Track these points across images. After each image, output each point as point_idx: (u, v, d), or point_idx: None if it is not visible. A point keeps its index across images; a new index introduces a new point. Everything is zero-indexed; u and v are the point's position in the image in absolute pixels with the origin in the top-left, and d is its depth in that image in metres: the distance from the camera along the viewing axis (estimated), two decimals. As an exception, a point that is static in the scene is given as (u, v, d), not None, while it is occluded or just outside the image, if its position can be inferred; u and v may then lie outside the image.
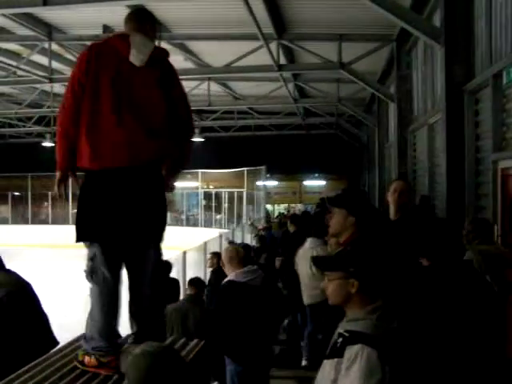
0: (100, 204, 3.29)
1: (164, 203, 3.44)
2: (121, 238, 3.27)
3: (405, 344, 2.54)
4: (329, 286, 2.64)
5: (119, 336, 3.50)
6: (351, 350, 2.38)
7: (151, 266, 3.39)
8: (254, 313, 4.97)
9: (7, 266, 4.84)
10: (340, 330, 2.54)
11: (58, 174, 3.43)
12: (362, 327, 2.45)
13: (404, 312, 3.05)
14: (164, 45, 12.40)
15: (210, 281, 8.10)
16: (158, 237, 3.43)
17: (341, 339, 2.47)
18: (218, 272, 8.08)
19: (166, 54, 3.55)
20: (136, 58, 3.29)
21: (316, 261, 2.82)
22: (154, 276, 3.40)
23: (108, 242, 3.27)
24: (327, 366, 2.49)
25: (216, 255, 8.88)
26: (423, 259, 3.42)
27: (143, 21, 3.54)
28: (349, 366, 2.37)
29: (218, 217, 27.59)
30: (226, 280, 5.23)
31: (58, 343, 4.16)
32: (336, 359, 2.44)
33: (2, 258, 4.59)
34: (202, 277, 11.39)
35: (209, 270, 9.05)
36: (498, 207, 6.34)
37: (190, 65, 14.51)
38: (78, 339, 3.81)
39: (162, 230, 3.43)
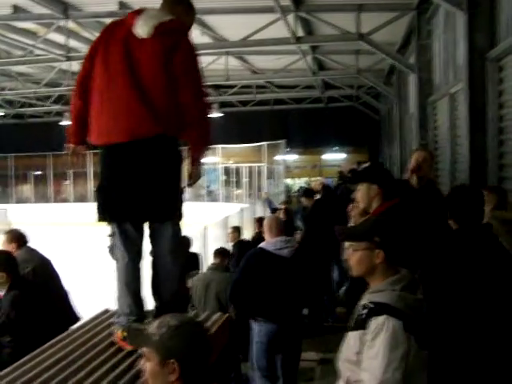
0: (108, 182, 3.31)
1: (175, 179, 3.35)
2: (131, 214, 3.25)
3: (430, 314, 2.51)
4: (353, 256, 2.61)
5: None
6: (376, 322, 2.37)
7: (169, 241, 3.36)
8: (279, 281, 5.08)
9: (30, 245, 4.90)
10: (364, 301, 2.51)
11: (68, 146, 3.58)
12: (387, 298, 2.42)
13: (430, 281, 3.03)
14: (180, 19, 12.32)
15: (232, 254, 8.12)
16: (170, 212, 3.36)
17: (365, 311, 2.44)
18: (239, 245, 8.12)
19: (180, 26, 3.40)
20: (140, 28, 3.25)
21: (339, 231, 2.76)
22: (173, 251, 3.39)
23: (119, 219, 3.27)
24: (352, 337, 2.47)
25: (236, 229, 8.91)
26: (451, 221, 3.43)
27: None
28: (374, 337, 2.35)
29: (238, 192, 27.59)
30: (258, 246, 5.42)
31: (79, 318, 4.21)
32: (361, 331, 2.42)
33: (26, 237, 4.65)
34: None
35: (230, 244, 9.08)
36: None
37: (207, 39, 14.38)
38: (100, 315, 3.83)
39: (174, 205, 3.36)
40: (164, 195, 3.27)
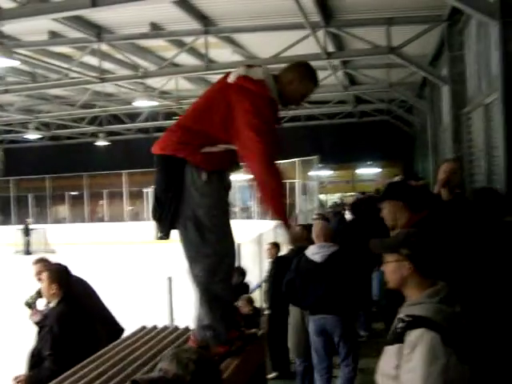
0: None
1: (183, 198, 3.38)
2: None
3: (470, 327, 2.46)
4: (386, 268, 2.63)
5: None
6: (413, 335, 2.33)
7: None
8: (313, 283, 5.82)
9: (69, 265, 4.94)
10: (400, 315, 2.48)
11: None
12: (423, 311, 2.39)
13: (469, 294, 2.98)
14: (211, 38, 12.46)
15: (270, 271, 8.10)
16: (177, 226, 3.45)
17: (401, 324, 2.41)
18: (277, 261, 8.05)
19: (252, 87, 3.39)
20: (232, 74, 3.46)
21: (372, 243, 2.78)
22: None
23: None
24: (389, 351, 2.44)
25: (275, 245, 8.89)
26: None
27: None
28: (411, 350, 2.32)
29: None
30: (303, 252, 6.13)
31: (123, 330, 4.27)
32: (398, 345, 2.38)
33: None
34: (259, 268, 11.44)
35: (268, 260, 9.07)
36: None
37: (238, 57, 14.52)
38: (137, 332, 3.85)
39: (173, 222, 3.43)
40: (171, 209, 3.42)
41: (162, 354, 3.04)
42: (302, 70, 3.58)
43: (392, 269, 2.59)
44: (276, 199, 3.32)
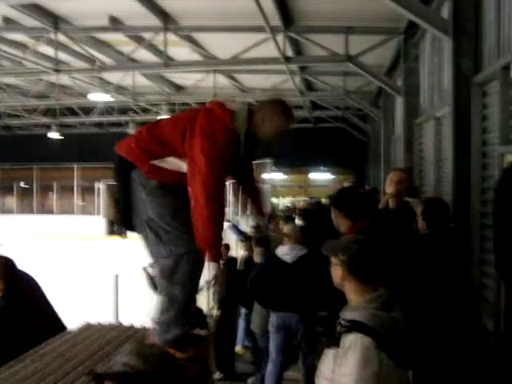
0: None
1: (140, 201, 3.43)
2: None
3: (408, 333, 2.52)
4: (332, 269, 2.72)
5: None
6: (347, 339, 2.37)
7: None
8: (281, 282, 6.08)
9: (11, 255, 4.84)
10: (340, 319, 2.53)
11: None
12: (360, 316, 2.44)
13: (406, 300, 3.06)
14: (170, 36, 12.38)
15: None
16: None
17: (339, 328, 2.46)
18: (227, 263, 8.06)
19: (214, 106, 3.47)
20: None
21: (323, 245, 2.85)
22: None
23: None
24: (328, 354, 2.49)
25: (225, 247, 8.86)
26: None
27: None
28: (345, 354, 2.36)
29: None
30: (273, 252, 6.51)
31: (66, 328, 4.21)
32: (335, 349, 2.43)
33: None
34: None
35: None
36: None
37: (196, 56, 14.47)
38: (81, 328, 3.81)
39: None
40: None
41: (120, 349, 3.02)
42: (274, 109, 3.58)
43: (333, 271, 2.68)
44: (208, 228, 3.22)
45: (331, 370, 2.42)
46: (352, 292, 2.59)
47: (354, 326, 2.40)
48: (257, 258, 7.62)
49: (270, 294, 6.16)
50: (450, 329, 3.48)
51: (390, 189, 4.75)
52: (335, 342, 2.46)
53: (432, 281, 3.67)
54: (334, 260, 2.67)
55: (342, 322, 2.47)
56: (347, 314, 2.51)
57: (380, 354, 2.32)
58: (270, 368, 6.26)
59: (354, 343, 2.35)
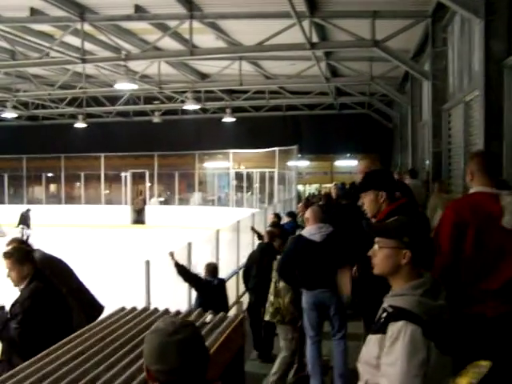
0: None
1: None
2: None
3: (450, 321, 2.49)
4: (379, 253, 2.58)
5: None
6: (394, 327, 2.34)
7: None
8: (313, 261, 6.15)
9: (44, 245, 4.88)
10: (385, 304, 2.50)
11: None
12: (406, 303, 2.40)
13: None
14: (195, 24, 12.38)
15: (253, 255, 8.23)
16: None
17: (385, 314, 2.43)
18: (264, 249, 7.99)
19: None
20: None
21: (370, 226, 2.76)
22: None
23: None
24: (371, 341, 2.45)
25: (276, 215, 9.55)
26: None
27: None
28: (392, 343, 2.32)
29: (248, 194, 27.63)
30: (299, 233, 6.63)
31: (103, 307, 4.25)
32: (380, 335, 2.40)
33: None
34: (235, 255, 11.48)
35: (242, 248, 9.10)
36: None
37: (221, 44, 14.45)
38: (116, 313, 3.85)
39: None
40: None
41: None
42: None
43: (386, 255, 2.55)
44: None
45: (375, 357, 2.39)
46: (402, 277, 2.50)
47: (401, 314, 2.36)
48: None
49: (302, 274, 6.28)
50: None
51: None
52: (378, 329, 2.43)
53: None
54: (389, 242, 2.55)
55: (388, 309, 2.43)
56: (392, 300, 2.47)
57: (427, 343, 2.29)
58: (308, 344, 6.41)
59: (400, 331, 2.31)
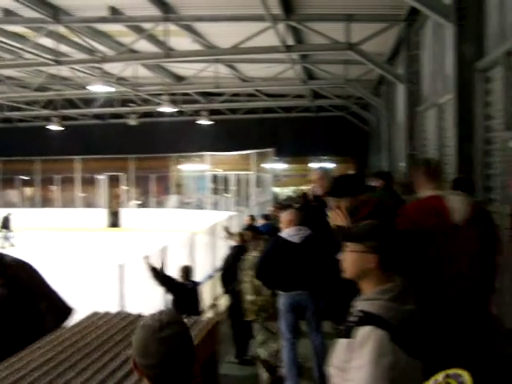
0: None
1: None
2: None
3: (420, 325, 2.49)
4: (348, 257, 2.59)
5: None
6: (362, 332, 2.34)
7: None
8: (291, 262, 6.21)
9: (16, 249, 4.81)
10: (354, 308, 2.50)
11: None
12: (375, 308, 2.39)
13: (422, 291, 3.03)
14: (171, 26, 12.35)
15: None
16: None
17: (354, 319, 2.43)
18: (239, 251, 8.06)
19: None
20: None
21: (337, 231, 2.75)
22: None
23: None
24: (341, 344, 2.46)
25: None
26: None
27: None
28: (359, 347, 2.33)
29: (226, 195, 27.59)
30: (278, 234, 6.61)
31: (72, 309, 4.20)
32: (348, 339, 2.40)
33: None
34: (211, 258, 11.47)
35: (219, 251, 9.11)
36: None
37: (197, 47, 14.45)
38: (88, 317, 3.82)
39: None
40: None
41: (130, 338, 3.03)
42: None
43: (354, 259, 2.55)
44: None
45: (343, 361, 2.40)
46: (371, 282, 2.50)
47: (369, 319, 2.37)
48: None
49: (280, 275, 6.31)
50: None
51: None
52: (347, 332, 2.43)
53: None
54: (356, 246, 2.54)
55: (356, 313, 2.43)
56: (361, 305, 2.47)
57: (394, 348, 2.30)
58: (284, 346, 6.43)
59: (368, 336, 2.31)
